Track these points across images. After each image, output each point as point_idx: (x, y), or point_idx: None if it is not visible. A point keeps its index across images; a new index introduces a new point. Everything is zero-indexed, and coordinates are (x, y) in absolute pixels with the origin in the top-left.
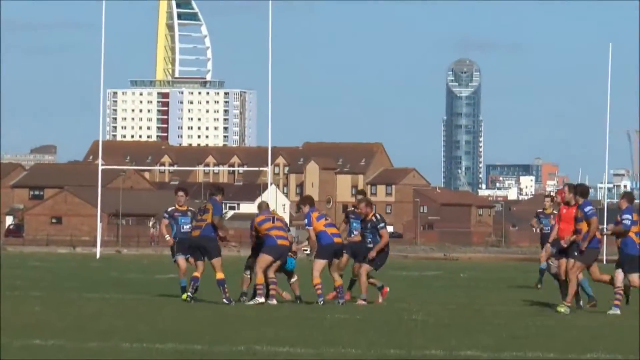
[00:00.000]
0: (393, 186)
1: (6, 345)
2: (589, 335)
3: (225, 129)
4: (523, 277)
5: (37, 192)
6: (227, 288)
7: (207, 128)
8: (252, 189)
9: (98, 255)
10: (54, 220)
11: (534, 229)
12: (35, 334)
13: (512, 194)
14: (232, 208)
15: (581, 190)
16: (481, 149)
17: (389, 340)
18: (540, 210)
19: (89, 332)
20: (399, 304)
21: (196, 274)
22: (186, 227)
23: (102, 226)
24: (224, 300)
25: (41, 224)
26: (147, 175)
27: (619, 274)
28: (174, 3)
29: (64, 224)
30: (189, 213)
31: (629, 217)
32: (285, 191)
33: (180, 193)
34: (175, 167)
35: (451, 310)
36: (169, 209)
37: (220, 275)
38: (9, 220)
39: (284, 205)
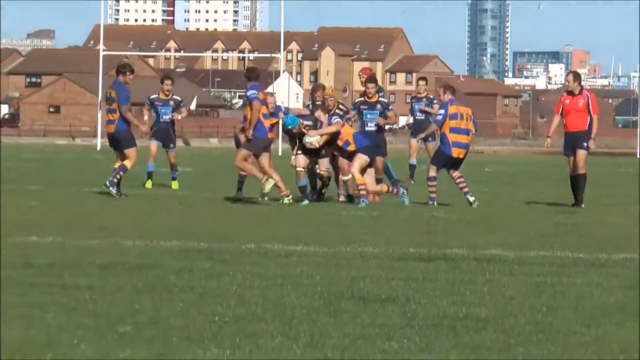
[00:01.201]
0: (414, 74)
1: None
2: (621, 234)
3: (235, 12)
4: (553, 172)
5: (34, 79)
6: (121, 176)
7: (215, 11)
8: (263, 76)
9: (99, 147)
10: (51, 110)
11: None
12: (32, 230)
13: (541, 83)
14: (241, 97)
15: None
16: (508, 35)
17: (409, 238)
18: (414, 95)
19: (89, 229)
20: (419, 201)
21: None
22: (165, 117)
23: (102, 116)
24: (106, 183)
25: (38, 113)
26: (151, 61)
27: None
28: None
29: (62, 113)
30: (172, 102)
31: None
32: (298, 79)
33: (167, 81)
34: (182, 53)
35: (475, 206)
36: (152, 96)
37: (128, 163)
38: (3, 110)
39: (297, 94)
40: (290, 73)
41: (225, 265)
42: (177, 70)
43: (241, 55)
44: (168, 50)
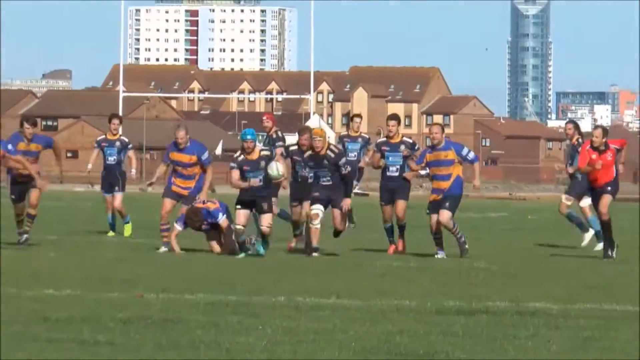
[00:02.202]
0: (451, 116)
1: (15, 296)
2: None
3: (262, 51)
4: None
5: (49, 123)
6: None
7: (241, 50)
8: (292, 119)
9: None
10: (69, 155)
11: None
12: (49, 283)
13: (586, 125)
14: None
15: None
16: (550, 75)
17: (448, 290)
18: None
19: (109, 281)
20: (456, 251)
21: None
22: (111, 159)
23: None
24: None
25: (55, 158)
26: (174, 103)
27: None
28: None
29: (80, 158)
30: (118, 143)
31: None
32: (329, 122)
33: (115, 120)
34: (206, 95)
35: (517, 256)
36: (99, 138)
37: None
38: None
39: (329, 137)
40: (321, 115)
41: (254, 319)
42: (202, 112)
43: (269, 96)
44: (192, 91)
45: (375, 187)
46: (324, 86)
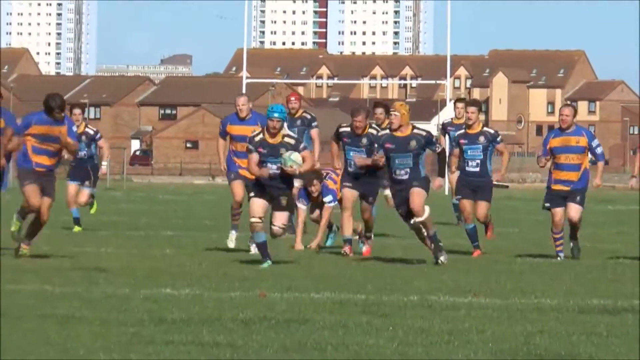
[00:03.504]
0: (597, 102)
1: (130, 296)
2: None
3: (396, 34)
4: None
5: (168, 111)
6: None
7: (373, 33)
8: (427, 106)
9: None
10: (189, 145)
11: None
12: (165, 282)
13: None
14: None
15: None
16: None
17: (592, 288)
18: (448, 120)
19: (230, 280)
20: (604, 245)
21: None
22: (80, 154)
23: None
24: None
25: (173, 149)
26: (301, 89)
27: None
28: None
29: (200, 149)
30: (83, 137)
31: None
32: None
33: (76, 111)
34: (335, 81)
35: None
36: None
37: None
38: (135, 145)
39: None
40: None
41: (385, 319)
42: (331, 99)
43: (402, 82)
44: (320, 77)
45: (514, 178)
46: (462, 71)
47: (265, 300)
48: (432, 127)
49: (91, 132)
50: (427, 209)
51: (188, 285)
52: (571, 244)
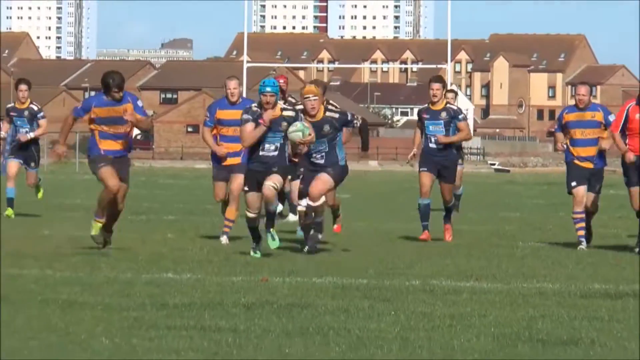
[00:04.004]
0: (598, 87)
1: (132, 280)
2: None
3: (396, 18)
4: None
5: (169, 95)
6: None
7: (374, 17)
8: (427, 90)
9: None
10: (189, 129)
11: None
12: (167, 266)
13: None
14: (404, 114)
15: None
16: None
17: (593, 272)
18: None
19: (232, 264)
20: (605, 230)
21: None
22: (22, 130)
23: None
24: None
25: (174, 133)
26: (301, 74)
27: None
28: None
29: (202, 133)
30: (26, 112)
31: None
32: (468, 93)
33: (22, 86)
34: (336, 65)
35: None
36: (8, 106)
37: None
38: (135, 130)
39: (467, 109)
40: (459, 86)
41: (387, 304)
42: (332, 83)
43: (403, 66)
44: (321, 61)
45: (515, 162)
46: (462, 55)
47: (267, 284)
48: None
49: (35, 109)
50: (323, 198)
51: (190, 270)
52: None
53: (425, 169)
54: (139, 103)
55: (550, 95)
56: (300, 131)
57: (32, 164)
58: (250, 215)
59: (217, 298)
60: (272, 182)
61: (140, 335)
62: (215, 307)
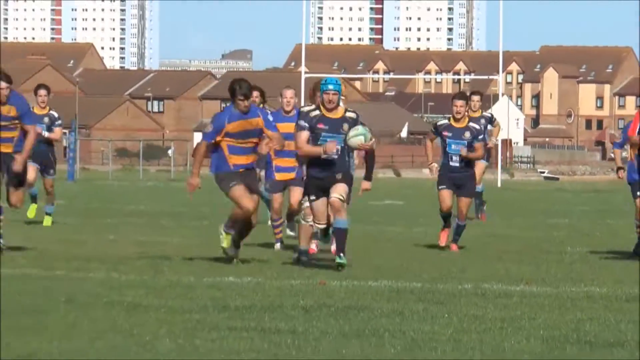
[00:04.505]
0: None
1: (194, 284)
2: None
3: (450, 30)
4: None
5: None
6: None
7: (428, 29)
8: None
9: None
10: None
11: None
12: (228, 270)
13: None
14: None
15: None
16: None
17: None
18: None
19: (290, 268)
20: None
21: None
22: (44, 134)
23: None
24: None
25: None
26: (358, 84)
27: None
28: None
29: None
30: (46, 119)
31: None
32: (519, 103)
33: (42, 91)
34: (391, 75)
35: None
36: None
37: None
38: (197, 137)
39: (517, 119)
40: (510, 96)
41: (440, 306)
42: (387, 94)
43: (456, 77)
44: (376, 72)
45: (564, 171)
46: (514, 66)
47: (324, 287)
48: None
49: (55, 115)
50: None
51: (250, 274)
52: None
53: (445, 186)
54: (270, 117)
55: (598, 105)
56: (362, 135)
57: (51, 171)
58: (321, 226)
59: (277, 301)
60: (339, 194)
61: (202, 336)
62: (275, 309)
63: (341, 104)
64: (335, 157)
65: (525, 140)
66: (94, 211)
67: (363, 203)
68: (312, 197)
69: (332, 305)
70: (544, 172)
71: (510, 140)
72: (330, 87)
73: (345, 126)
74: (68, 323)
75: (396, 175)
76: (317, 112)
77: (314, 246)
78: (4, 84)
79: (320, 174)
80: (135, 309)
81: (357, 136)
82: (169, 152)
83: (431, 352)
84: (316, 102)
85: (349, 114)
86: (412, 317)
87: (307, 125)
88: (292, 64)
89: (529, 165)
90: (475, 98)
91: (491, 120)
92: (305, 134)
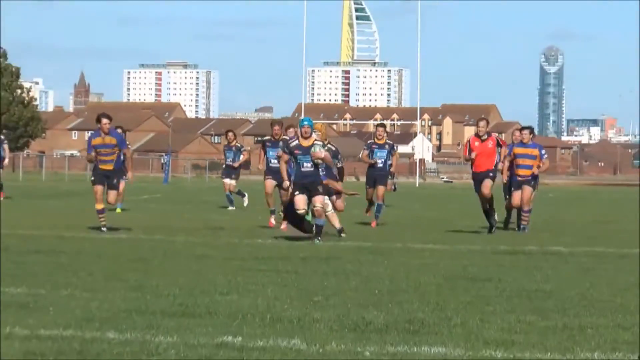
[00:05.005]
0: (503, 134)
1: (236, 244)
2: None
3: (389, 95)
4: (593, 197)
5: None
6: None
7: (375, 94)
8: (406, 136)
9: None
10: None
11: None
12: (261, 233)
13: (584, 139)
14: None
15: None
16: (564, 108)
17: None
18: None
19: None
20: None
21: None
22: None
23: None
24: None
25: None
26: (334, 126)
27: None
28: (353, 7)
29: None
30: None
31: None
32: (428, 137)
33: (105, 120)
34: (355, 121)
35: (543, 219)
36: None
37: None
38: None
39: (429, 147)
40: (423, 133)
41: (382, 257)
42: (352, 132)
43: (391, 122)
44: (345, 119)
45: (457, 177)
46: (426, 116)
47: (315, 245)
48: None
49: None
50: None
51: (271, 237)
52: None
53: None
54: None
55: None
56: (314, 147)
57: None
58: (301, 212)
59: (287, 254)
60: (319, 204)
61: (242, 274)
62: (285, 259)
63: (314, 135)
64: (311, 169)
65: (432, 159)
66: (178, 200)
67: None
68: (297, 193)
69: (319, 257)
70: (443, 178)
71: (424, 159)
72: (305, 122)
73: (313, 149)
74: (163, 267)
75: (356, 179)
76: (296, 142)
77: (272, 220)
78: (106, 120)
79: (302, 180)
80: (202, 258)
81: (312, 149)
82: (224, 166)
83: (378, 283)
84: (274, 133)
85: (317, 142)
86: (366, 263)
87: (288, 151)
88: (296, 114)
89: (435, 173)
90: (380, 129)
91: (392, 147)
92: (285, 157)
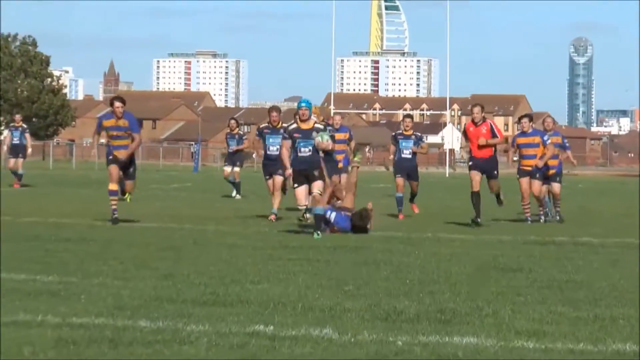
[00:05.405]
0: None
1: (267, 233)
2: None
3: (418, 85)
4: (623, 188)
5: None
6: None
7: (404, 84)
8: (435, 126)
9: None
10: None
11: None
12: (286, 226)
13: (614, 130)
14: (420, 139)
15: None
16: (593, 98)
17: None
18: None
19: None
20: None
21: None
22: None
23: None
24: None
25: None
26: (364, 116)
27: None
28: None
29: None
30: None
31: None
32: (458, 127)
33: (118, 103)
34: (384, 111)
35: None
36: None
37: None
38: None
39: (458, 137)
40: (453, 123)
41: (412, 247)
42: (381, 122)
43: (421, 112)
44: (375, 109)
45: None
46: (455, 106)
47: (339, 235)
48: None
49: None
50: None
51: (300, 228)
52: None
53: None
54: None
55: (505, 129)
56: (319, 136)
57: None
58: (302, 208)
59: (315, 244)
60: (318, 190)
61: (272, 263)
62: (315, 248)
63: (313, 117)
64: (309, 154)
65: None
66: (208, 189)
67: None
68: (295, 185)
69: (347, 246)
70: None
71: (454, 149)
72: (303, 104)
73: (314, 134)
74: (194, 256)
75: (386, 169)
76: (294, 125)
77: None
78: (119, 103)
79: (300, 166)
80: (233, 247)
81: (317, 137)
82: (253, 155)
83: (409, 273)
84: (271, 120)
85: (317, 125)
86: (397, 253)
87: (287, 135)
88: (325, 104)
89: (464, 163)
90: (407, 120)
91: (420, 139)
92: (288, 142)
